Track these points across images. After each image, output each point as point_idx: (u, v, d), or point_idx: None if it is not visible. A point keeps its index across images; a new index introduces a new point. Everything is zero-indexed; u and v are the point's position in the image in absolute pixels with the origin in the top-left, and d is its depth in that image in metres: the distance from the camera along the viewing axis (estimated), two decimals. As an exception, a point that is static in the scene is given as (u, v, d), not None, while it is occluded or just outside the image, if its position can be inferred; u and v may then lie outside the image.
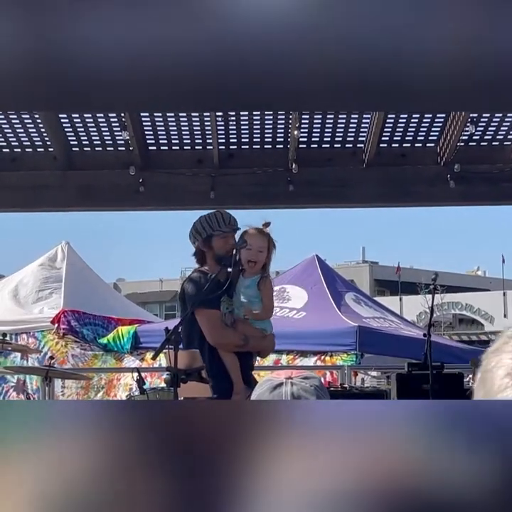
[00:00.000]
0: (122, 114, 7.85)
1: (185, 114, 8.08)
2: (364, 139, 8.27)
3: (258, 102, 1.46)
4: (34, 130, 8.23)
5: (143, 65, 1.41)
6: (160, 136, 8.37)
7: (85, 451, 1.28)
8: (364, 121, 8.13)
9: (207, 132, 8.25)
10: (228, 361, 4.88)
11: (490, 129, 8.22)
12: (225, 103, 1.48)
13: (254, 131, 8.28)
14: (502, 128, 8.23)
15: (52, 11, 1.39)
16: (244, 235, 5.05)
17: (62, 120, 8.18)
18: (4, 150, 8.43)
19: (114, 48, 1.40)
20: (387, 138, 8.27)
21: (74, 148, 8.41)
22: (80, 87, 1.41)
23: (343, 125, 8.17)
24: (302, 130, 8.13)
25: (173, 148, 8.43)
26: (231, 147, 8.38)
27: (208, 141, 8.30)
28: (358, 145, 8.33)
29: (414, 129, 8.23)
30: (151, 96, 1.43)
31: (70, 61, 1.41)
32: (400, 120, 8.11)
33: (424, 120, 8.14)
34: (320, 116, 8.07)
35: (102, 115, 8.08)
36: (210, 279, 4.81)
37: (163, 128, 8.28)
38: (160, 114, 8.10)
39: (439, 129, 8.21)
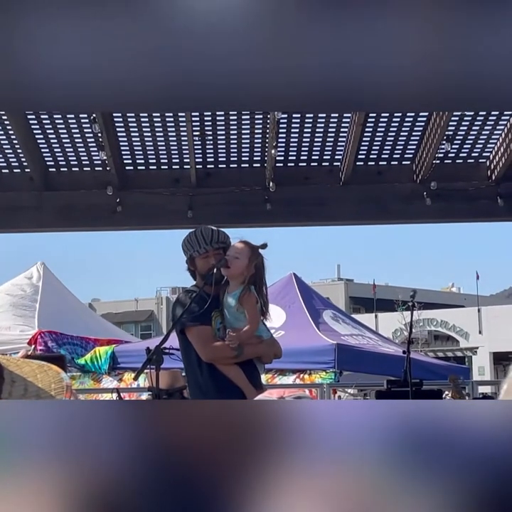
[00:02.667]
0: (99, 135, 7.84)
1: (162, 134, 8.08)
2: (340, 157, 8.31)
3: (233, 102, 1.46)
4: (10, 151, 8.20)
5: (113, 65, 1.41)
6: (137, 156, 8.36)
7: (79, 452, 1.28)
8: (340, 139, 8.17)
9: (184, 152, 8.25)
10: (231, 373, 4.74)
11: (465, 146, 8.29)
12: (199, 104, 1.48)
13: (231, 150, 8.29)
14: (477, 146, 8.30)
15: (16, 12, 1.39)
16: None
17: (38, 141, 8.15)
18: (-20, 171, 8.39)
19: (80, 48, 1.40)
20: (363, 156, 8.32)
21: (50, 169, 8.39)
22: (41, 87, 1.41)
23: (319, 144, 8.21)
24: (279, 149, 8.15)
25: (151, 167, 8.43)
26: (208, 166, 8.40)
27: (185, 160, 8.30)
28: (335, 163, 8.38)
29: (390, 147, 8.28)
30: (120, 97, 1.43)
31: (31, 61, 1.40)
32: (376, 138, 8.16)
33: (400, 138, 8.19)
34: (296, 135, 8.11)
35: (78, 135, 8.06)
36: (193, 296, 4.75)
37: (140, 148, 8.27)
38: (137, 134, 8.10)
39: (414, 146, 8.27)
